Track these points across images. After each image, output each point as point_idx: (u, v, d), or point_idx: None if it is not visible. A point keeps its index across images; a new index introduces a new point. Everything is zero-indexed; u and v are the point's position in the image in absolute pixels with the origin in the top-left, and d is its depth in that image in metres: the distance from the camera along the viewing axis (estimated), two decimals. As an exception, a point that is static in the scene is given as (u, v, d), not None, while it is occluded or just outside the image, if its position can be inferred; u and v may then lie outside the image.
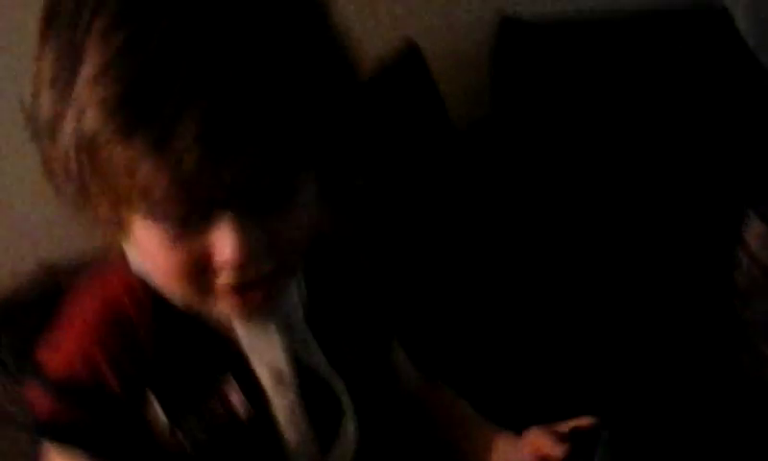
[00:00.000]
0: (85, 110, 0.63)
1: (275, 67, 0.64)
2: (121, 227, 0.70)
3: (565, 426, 0.83)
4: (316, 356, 0.81)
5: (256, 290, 0.72)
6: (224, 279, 0.70)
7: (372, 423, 0.83)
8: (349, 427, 0.82)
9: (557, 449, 0.82)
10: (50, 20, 0.66)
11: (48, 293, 1.04)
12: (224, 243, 0.68)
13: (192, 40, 0.62)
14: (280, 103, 0.65)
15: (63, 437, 0.73)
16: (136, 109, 0.62)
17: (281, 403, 0.78)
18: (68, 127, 0.64)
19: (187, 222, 0.67)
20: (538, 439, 0.84)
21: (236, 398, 0.76)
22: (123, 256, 0.76)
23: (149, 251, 0.70)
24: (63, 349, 0.75)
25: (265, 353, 0.77)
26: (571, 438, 0.83)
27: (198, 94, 0.62)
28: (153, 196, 0.64)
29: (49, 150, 0.67)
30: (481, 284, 1.35)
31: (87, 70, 0.63)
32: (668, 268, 1.45)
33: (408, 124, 1.36)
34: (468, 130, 1.47)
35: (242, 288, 0.71)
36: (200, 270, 0.69)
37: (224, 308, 0.73)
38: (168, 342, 0.75)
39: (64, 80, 0.64)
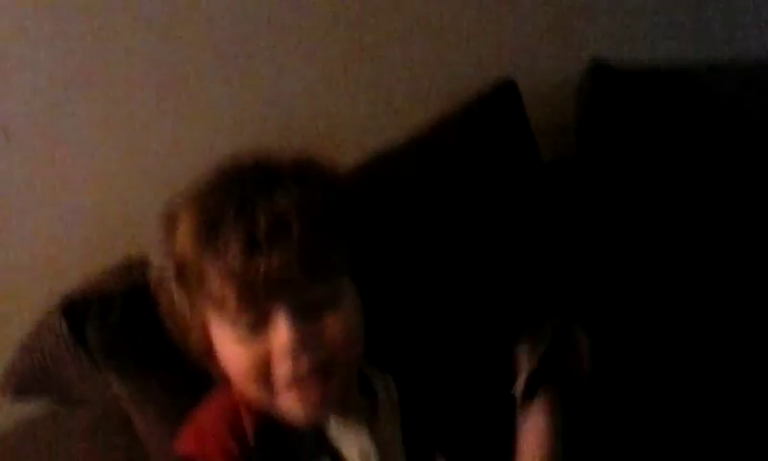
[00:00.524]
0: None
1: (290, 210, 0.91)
2: (208, 343, 0.95)
3: None
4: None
5: (312, 385, 0.91)
6: (283, 371, 0.90)
7: None
8: None
9: None
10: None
11: (134, 286, 1.08)
12: (279, 333, 0.90)
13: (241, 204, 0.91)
14: (295, 223, 0.90)
15: None
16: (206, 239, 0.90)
17: None
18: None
19: (250, 322, 0.90)
20: None
21: None
22: None
23: (225, 355, 0.93)
24: (191, 439, 0.96)
25: (353, 439, 0.95)
26: None
27: (240, 227, 0.89)
28: (219, 300, 0.90)
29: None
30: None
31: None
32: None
33: (500, 155, 1.38)
34: (552, 166, 1.47)
35: (299, 382, 0.90)
36: (264, 368, 0.90)
37: (287, 405, 0.92)
38: (268, 434, 0.94)
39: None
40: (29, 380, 1.16)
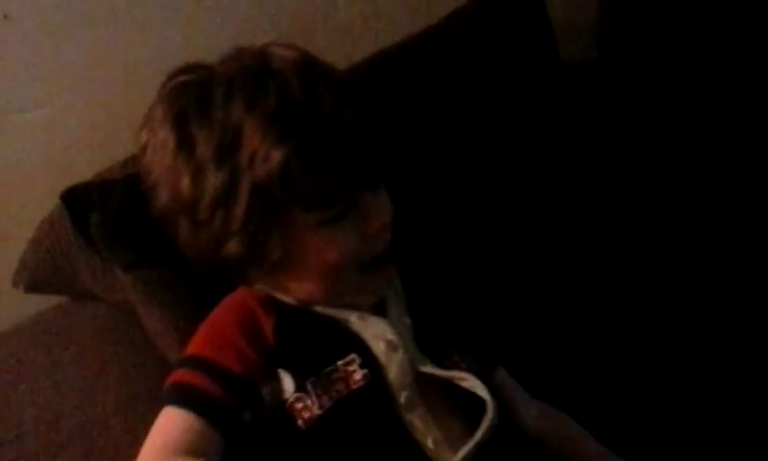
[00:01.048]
0: (265, 163, 0.89)
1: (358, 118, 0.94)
2: (289, 257, 0.93)
3: None
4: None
5: (388, 262, 0.96)
6: (377, 249, 0.95)
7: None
8: (483, 425, 0.92)
9: None
10: (191, 115, 0.92)
11: (135, 174, 1.06)
12: (381, 209, 0.95)
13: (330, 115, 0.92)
14: (366, 132, 0.94)
15: (186, 401, 0.90)
16: (312, 153, 0.90)
17: (395, 365, 0.94)
18: (245, 186, 0.90)
19: (343, 208, 0.92)
20: None
21: (356, 369, 0.92)
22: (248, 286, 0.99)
23: (323, 251, 0.93)
24: (204, 337, 0.95)
25: (377, 330, 0.95)
26: None
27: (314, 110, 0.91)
28: (329, 189, 0.91)
29: (217, 220, 0.91)
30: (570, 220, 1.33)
31: (253, 144, 0.89)
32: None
33: (519, 52, 1.35)
34: (572, 69, 1.43)
35: (381, 258, 0.95)
36: (360, 251, 0.93)
37: (372, 285, 0.97)
38: (288, 333, 0.94)
39: (228, 156, 0.90)
40: (39, 275, 1.16)
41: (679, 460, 1.12)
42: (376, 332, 0.95)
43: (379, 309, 0.99)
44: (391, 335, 0.95)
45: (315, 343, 0.95)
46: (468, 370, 0.96)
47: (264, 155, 0.89)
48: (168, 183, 0.93)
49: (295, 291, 0.97)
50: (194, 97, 0.93)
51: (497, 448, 0.92)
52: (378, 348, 0.95)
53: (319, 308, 0.97)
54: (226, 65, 0.95)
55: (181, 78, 0.95)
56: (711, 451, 1.13)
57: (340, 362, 0.93)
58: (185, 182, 0.91)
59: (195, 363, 0.92)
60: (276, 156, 0.89)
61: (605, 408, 1.14)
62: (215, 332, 0.95)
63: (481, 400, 0.93)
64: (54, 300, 1.21)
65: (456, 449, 0.90)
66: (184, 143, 0.92)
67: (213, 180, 0.90)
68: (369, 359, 0.94)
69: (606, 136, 1.42)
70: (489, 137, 1.29)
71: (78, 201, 1.07)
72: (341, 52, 1.35)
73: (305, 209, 0.91)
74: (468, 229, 1.24)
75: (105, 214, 1.05)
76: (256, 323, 0.95)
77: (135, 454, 0.89)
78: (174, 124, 0.92)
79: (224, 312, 0.98)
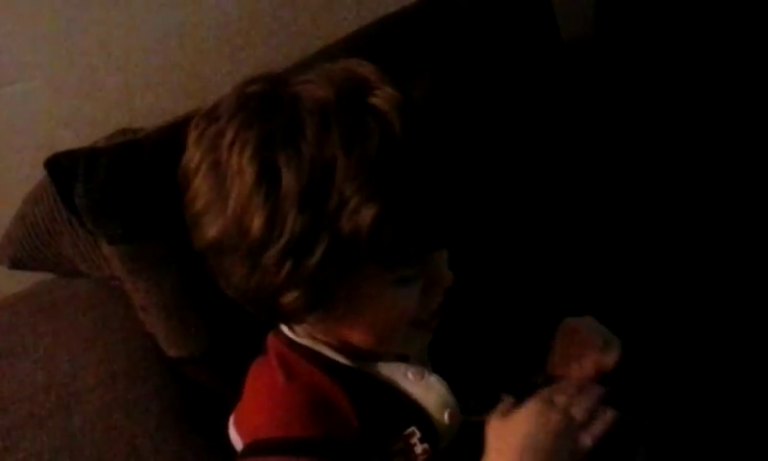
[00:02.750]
0: (355, 217, 0.79)
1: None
2: (351, 310, 0.85)
3: None
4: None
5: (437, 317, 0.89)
6: (433, 307, 0.87)
7: None
8: None
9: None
10: (278, 145, 0.80)
11: (126, 146, 1.03)
12: (445, 271, 0.87)
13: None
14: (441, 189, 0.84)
15: None
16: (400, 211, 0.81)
17: (451, 433, 0.90)
18: (325, 237, 0.80)
19: (422, 267, 0.84)
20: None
21: (416, 442, 0.87)
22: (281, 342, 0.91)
23: (384, 310, 0.85)
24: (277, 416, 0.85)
25: (438, 398, 0.90)
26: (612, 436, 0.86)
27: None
28: (412, 252, 0.83)
29: (285, 269, 0.81)
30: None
31: (344, 192, 0.79)
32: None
33: (519, 33, 1.31)
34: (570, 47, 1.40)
35: (433, 318, 0.88)
36: (416, 309, 0.86)
37: (419, 341, 0.90)
38: (364, 406, 0.86)
39: (314, 201, 0.79)
40: (23, 251, 1.12)
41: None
42: (438, 401, 0.90)
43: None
44: (452, 403, 0.90)
45: (383, 414, 0.88)
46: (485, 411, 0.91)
47: (355, 207, 0.79)
48: (232, 217, 0.81)
49: (343, 337, 0.89)
50: (282, 124, 0.81)
51: None
52: (442, 419, 0.90)
53: (373, 368, 0.91)
54: (314, 88, 0.83)
55: (261, 93, 0.84)
56: (711, 451, 1.11)
57: (403, 433, 0.88)
58: (258, 222, 0.80)
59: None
60: (370, 212, 0.79)
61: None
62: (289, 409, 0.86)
63: None
64: (38, 277, 1.17)
65: None
66: (267, 176, 0.80)
67: (292, 225, 0.79)
68: (428, 430, 0.89)
69: (604, 115, 1.39)
70: (486, 112, 1.25)
71: (62, 169, 1.02)
72: (325, 25, 1.32)
73: (385, 269, 0.83)
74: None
75: (90, 184, 1.00)
76: (330, 400, 0.87)
77: (114, 429, 0.85)
78: (257, 151, 0.80)
79: (287, 390, 0.87)
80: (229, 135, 0.82)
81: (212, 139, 0.83)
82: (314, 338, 0.90)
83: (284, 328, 0.92)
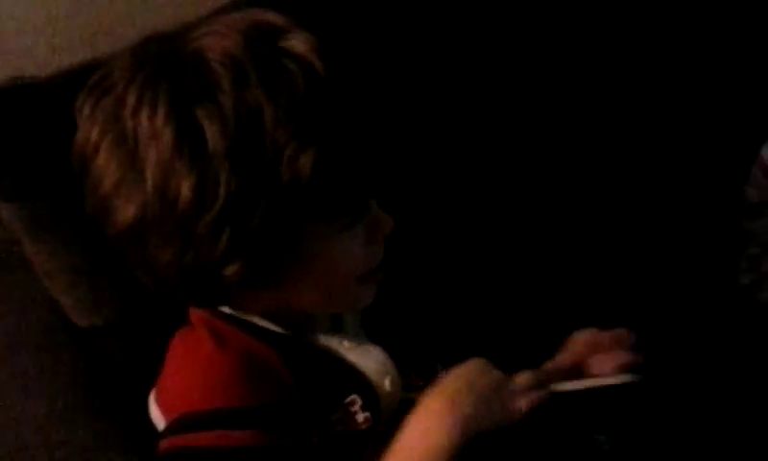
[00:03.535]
0: (293, 166, 0.73)
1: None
2: (298, 272, 0.78)
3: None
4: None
5: (380, 271, 0.83)
6: (378, 256, 0.82)
7: None
8: None
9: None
10: (193, 100, 0.72)
11: (21, 88, 0.92)
12: (383, 216, 0.81)
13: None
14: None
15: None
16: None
17: (391, 402, 0.85)
18: (265, 195, 0.72)
19: (362, 212, 0.79)
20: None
21: (357, 411, 0.82)
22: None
23: (331, 261, 0.79)
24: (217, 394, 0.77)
25: (377, 365, 0.85)
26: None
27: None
28: (356, 196, 0.78)
29: (224, 237, 0.72)
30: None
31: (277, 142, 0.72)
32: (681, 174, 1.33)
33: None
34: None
35: (378, 271, 0.83)
36: (364, 259, 0.81)
37: (365, 296, 0.84)
38: (303, 373, 0.80)
39: (246, 156, 0.71)
40: None
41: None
42: (377, 368, 0.85)
43: (336, 321, 0.87)
44: (393, 371, 0.86)
45: (322, 380, 0.82)
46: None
47: (292, 154, 0.72)
48: (153, 190, 0.72)
49: (284, 305, 0.81)
50: (192, 79, 0.73)
51: None
52: (383, 385, 0.85)
53: (308, 336, 0.84)
54: (219, 38, 0.75)
55: (160, 51, 0.75)
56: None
57: (343, 401, 0.82)
58: (186, 189, 0.71)
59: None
60: (309, 157, 0.72)
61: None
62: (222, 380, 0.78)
63: None
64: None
65: None
66: (189, 135, 0.71)
67: (226, 185, 0.71)
68: (370, 398, 0.84)
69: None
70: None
71: None
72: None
73: (329, 219, 0.77)
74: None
75: None
76: (266, 366, 0.80)
77: (13, 409, 0.75)
78: (171, 109, 0.72)
79: (219, 357, 0.79)
80: (132, 100, 0.73)
81: (110, 111, 0.74)
82: (243, 309, 0.82)
83: None
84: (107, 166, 0.74)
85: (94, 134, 0.75)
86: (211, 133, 0.71)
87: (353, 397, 0.82)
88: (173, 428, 0.78)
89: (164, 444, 0.78)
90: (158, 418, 0.81)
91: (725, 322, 1.23)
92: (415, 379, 0.89)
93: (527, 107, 1.24)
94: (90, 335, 0.93)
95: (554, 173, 1.26)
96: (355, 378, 0.84)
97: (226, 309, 0.82)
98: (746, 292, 1.29)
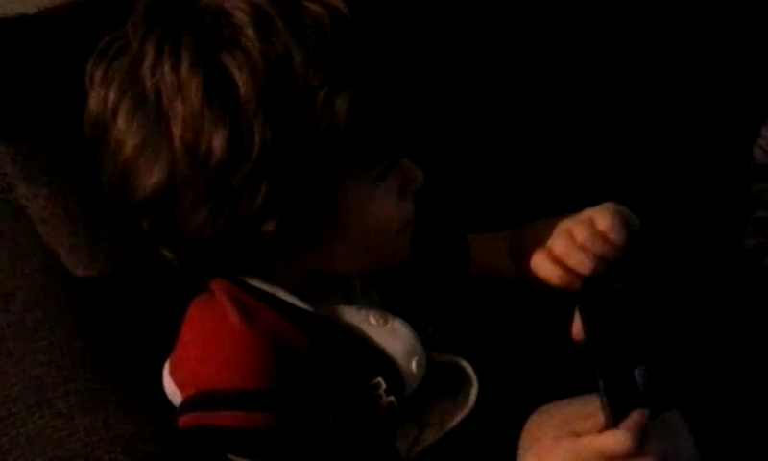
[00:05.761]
0: (329, 111, 0.70)
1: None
2: (333, 228, 0.74)
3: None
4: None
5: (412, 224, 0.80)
6: (412, 209, 0.78)
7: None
8: (472, 396, 0.84)
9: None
10: (219, 47, 0.69)
11: (19, 19, 0.87)
12: (414, 169, 0.77)
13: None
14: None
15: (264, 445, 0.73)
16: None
17: (415, 380, 0.82)
18: (302, 142, 0.69)
19: (395, 161, 0.76)
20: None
21: (381, 394, 0.79)
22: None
23: (368, 215, 0.75)
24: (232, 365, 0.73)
25: (405, 345, 0.80)
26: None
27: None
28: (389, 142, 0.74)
29: (262, 189, 0.69)
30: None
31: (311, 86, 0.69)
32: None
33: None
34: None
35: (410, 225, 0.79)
36: (400, 212, 0.77)
37: (401, 253, 0.80)
38: (328, 355, 0.77)
39: (280, 102, 0.68)
40: None
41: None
42: (405, 348, 0.81)
43: (345, 284, 0.83)
44: (420, 350, 0.82)
45: (346, 364, 0.79)
46: (442, 343, 0.86)
47: (327, 97, 0.69)
48: (181, 146, 0.68)
49: (325, 267, 0.78)
50: (217, 26, 0.69)
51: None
52: (409, 368, 0.81)
53: (333, 312, 0.80)
54: None
55: (175, 3, 0.71)
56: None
57: (366, 384, 0.79)
58: (219, 141, 0.67)
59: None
60: (344, 99, 0.69)
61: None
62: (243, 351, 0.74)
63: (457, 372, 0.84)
64: None
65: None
66: (218, 84, 0.68)
67: (261, 134, 0.68)
68: (394, 381, 0.80)
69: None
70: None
71: None
72: None
73: (367, 165, 0.74)
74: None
75: None
76: (292, 349, 0.76)
77: (10, 358, 0.72)
78: (196, 58, 0.68)
79: (247, 335, 0.75)
80: (150, 55, 0.69)
81: (127, 70, 0.70)
82: (265, 279, 0.78)
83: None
84: (127, 129, 0.70)
85: (111, 98, 0.70)
86: (242, 80, 0.67)
87: (378, 380, 0.79)
88: (193, 404, 0.74)
89: (184, 419, 0.74)
90: (173, 391, 0.77)
91: (729, 285, 1.21)
92: (433, 333, 0.87)
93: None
94: (89, 286, 0.88)
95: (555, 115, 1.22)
96: (381, 361, 0.80)
97: (250, 280, 0.78)
98: (751, 255, 1.27)
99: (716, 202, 1.27)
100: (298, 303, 0.77)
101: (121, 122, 0.70)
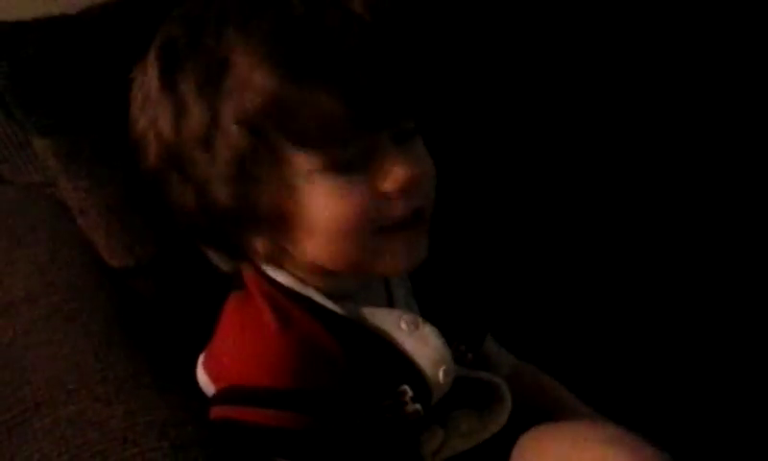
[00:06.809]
0: (251, 90, 0.71)
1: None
2: (288, 211, 0.74)
3: None
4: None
5: (416, 228, 0.76)
6: (395, 210, 0.74)
7: None
8: (504, 415, 0.84)
9: None
10: (180, 46, 0.76)
11: (61, 20, 0.88)
12: (399, 166, 0.73)
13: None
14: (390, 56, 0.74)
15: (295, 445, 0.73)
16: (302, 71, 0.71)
17: (443, 390, 0.80)
18: (229, 119, 0.72)
19: (357, 154, 0.73)
20: None
21: (407, 402, 0.78)
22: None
23: (326, 207, 0.73)
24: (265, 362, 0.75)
25: (434, 354, 0.79)
26: None
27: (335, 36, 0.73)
28: (331, 124, 0.71)
29: (202, 164, 0.74)
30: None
31: (241, 71, 0.72)
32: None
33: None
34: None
35: (407, 224, 0.75)
36: (371, 210, 0.73)
37: (390, 253, 0.75)
38: (359, 360, 0.76)
39: (211, 86, 0.73)
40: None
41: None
42: (434, 356, 0.79)
43: (382, 292, 0.83)
44: (448, 359, 0.80)
45: (375, 369, 0.78)
46: (476, 361, 0.85)
47: (249, 79, 0.71)
48: (152, 129, 0.77)
49: (300, 258, 0.77)
50: (185, 26, 0.76)
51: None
52: (436, 377, 0.79)
53: (364, 314, 0.79)
54: None
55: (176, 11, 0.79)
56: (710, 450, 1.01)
57: (395, 390, 0.78)
58: (166, 122, 0.75)
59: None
60: (264, 80, 0.71)
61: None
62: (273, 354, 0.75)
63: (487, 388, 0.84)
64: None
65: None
66: (168, 76, 0.75)
67: (195, 115, 0.73)
68: (421, 388, 0.79)
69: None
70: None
71: None
72: None
73: (300, 145, 0.72)
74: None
75: (17, 63, 0.85)
76: (325, 353, 0.76)
77: (51, 344, 0.74)
78: (159, 55, 0.76)
79: (282, 339, 0.76)
80: (148, 56, 0.78)
81: (140, 66, 0.80)
82: (296, 277, 0.78)
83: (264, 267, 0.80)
84: (135, 111, 0.80)
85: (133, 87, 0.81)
86: (185, 71, 0.74)
87: (404, 387, 0.78)
88: (223, 397, 0.75)
89: (215, 411, 0.75)
90: (206, 383, 0.78)
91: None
92: (465, 351, 0.86)
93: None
94: (125, 276, 0.89)
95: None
96: (409, 369, 0.79)
97: (280, 277, 0.78)
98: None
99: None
100: (329, 305, 0.77)
101: (134, 101, 0.79)
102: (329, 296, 0.78)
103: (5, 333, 0.79)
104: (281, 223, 0.75)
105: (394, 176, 0.74)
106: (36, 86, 0.86)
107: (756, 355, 1.11)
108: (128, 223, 0.89)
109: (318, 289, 0.78)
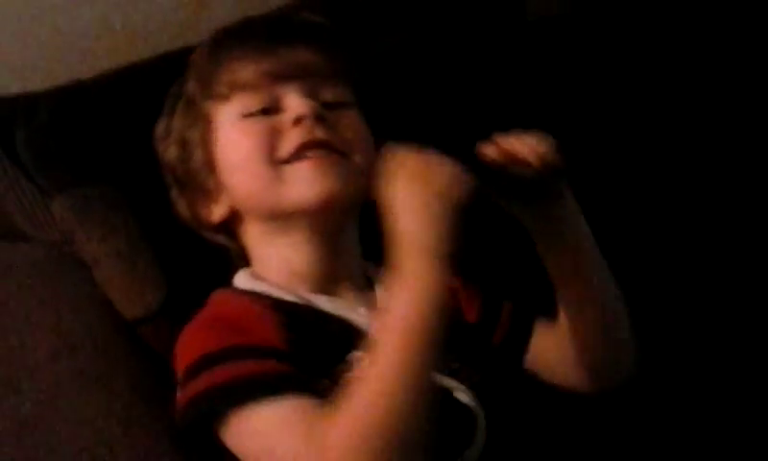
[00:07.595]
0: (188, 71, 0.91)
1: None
2: (216, 149, 0.87)
3: None
4: None
5: (326, 154, 0.83)
6: (294, 136, 0.83)
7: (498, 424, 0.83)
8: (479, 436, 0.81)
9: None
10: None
11: (69, 88, 0.93)
12: (293, 103, 0.85)
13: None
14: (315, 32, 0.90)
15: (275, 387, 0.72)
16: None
17: None
18: (176, 98, 0.91)
19: (264, 102, 0.85)
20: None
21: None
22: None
23: (229, 142, 0.86)
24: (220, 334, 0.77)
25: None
26: None
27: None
28: (240, 77, 0.86)
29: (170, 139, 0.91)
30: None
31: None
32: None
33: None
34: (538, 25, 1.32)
35: (312, 148, 0.83)
36: (271, 140, 0.83)
37: (298, 179, 0.83)
38: (296, 330, 0.78)
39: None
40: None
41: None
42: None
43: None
44: None
45: (323, 340, 0.80)
46: (468, 380, 0.83)
47: (193, 65, 0.89)
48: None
49: (235, 199, 0.86)
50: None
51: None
52: None
53: (322, 304, 0.84)
54: None
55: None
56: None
57: (349, 357, 0.79)
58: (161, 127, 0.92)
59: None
60: (199, 59, 0.89)
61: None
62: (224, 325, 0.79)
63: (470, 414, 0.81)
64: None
65: None
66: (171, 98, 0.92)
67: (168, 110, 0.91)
68: None
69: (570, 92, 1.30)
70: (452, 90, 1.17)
71: (2, 119, 0.92)
72: None
73: (219, 100, 0.86)
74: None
75: (32, 130, 0.91)
76: (259, 319, 0.79)
77: (73, 410, 0.73)
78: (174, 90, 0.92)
79: (215, 310, 0.82)
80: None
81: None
82: (258, 276, 0.86)
83: (238, 277, 0.87)
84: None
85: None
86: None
87: (356, 354, 0.79)
88: (193, 368, 0.75)
89: (181, 399, 0.75)
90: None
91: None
92: (456, 368, 0.85)
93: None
94: (139, 326, 0.90)
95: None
96: (361, 338, 0.79)
97: (243, 284, 0.86)
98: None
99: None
100: (285, 296, 0.83)
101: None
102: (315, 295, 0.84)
103: (31, 398, 0.79)
104: (212, 171, 0.86)
105: (289, 112, 0.85)
106: (49, 149, 0.92)
107: (756, 355, 1.13)
108: (139, 267, 0.91)
109: (277, 286, 0.84)
